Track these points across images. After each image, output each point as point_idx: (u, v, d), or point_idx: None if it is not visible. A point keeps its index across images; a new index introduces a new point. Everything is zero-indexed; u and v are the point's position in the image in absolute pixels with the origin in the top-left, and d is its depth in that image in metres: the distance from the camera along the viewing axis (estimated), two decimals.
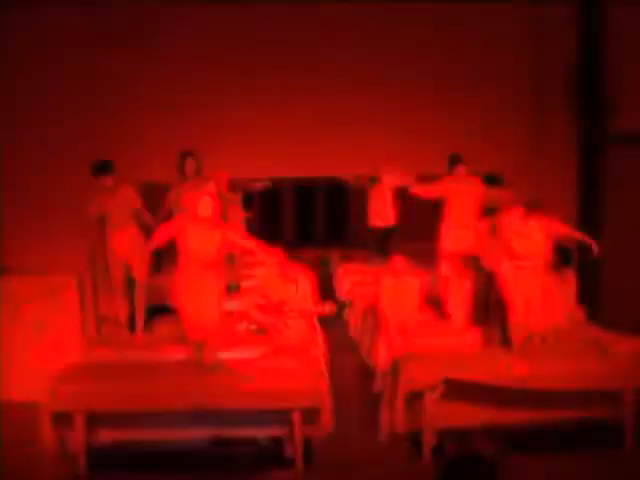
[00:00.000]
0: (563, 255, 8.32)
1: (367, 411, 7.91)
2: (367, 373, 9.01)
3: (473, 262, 8.72)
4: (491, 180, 8.86)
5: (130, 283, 8.48)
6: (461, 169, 8.49)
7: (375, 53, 9.40)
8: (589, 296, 9.31)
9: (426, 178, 8.79)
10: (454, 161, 8.50)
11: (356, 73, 9.41)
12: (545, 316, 8.23)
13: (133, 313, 8.70)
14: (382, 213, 11.63)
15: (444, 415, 7.05)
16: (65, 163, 9.20)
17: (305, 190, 18.96)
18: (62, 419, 6.75)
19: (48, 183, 9.20)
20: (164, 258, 12.48)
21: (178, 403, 6.63)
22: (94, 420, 6.79)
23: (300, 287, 8.19)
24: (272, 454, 6.87)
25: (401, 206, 12.10)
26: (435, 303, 9.83)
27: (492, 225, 7.96)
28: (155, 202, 11.95)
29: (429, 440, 6.90)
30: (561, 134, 9.73)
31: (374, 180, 11.17)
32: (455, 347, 7.92)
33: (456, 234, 8.57)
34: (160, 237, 7.33)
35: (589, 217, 9.69)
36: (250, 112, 9.36)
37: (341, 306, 8.66)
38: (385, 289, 8.39)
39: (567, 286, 8.34)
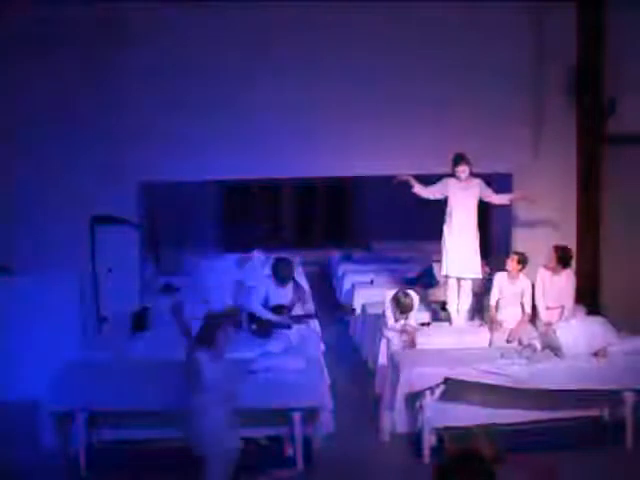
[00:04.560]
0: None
1: (367, 411, 7.92)
2: (367, 373, 9.02)
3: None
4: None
5: None
6: (463, 169, 8.49)
7: (375, 53, 9.39)
8: (589, 296, 9.31)
9: (424, 178, 8.79)
10: (457, 161, 8.50)
11: (356, 74, 9.40)
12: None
13: (135, 312, 8.73)
14: None
15: (444, 415, 7.05)
16: (65, 162, 9.20)
17: (305, 190, 19.03)
18: (62, 419, 6.75)
19: (48, 183, 9.19)
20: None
21: (178, 403, 6.63)
22: (94, 420, 6.79)
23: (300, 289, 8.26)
24: (272, 454, 6.87)
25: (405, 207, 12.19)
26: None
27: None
28: (155, 202, 12.01)
29: (429, 440, 6.90)
30: (561, 134, 9.73)
31: None
32: (455, 347, 7.93)
33: (458, 234, 8.55)
34: None
35: (589, 217, 9.69)
36: (251, 111, 9.35)
37: (346, 311, 8.73)
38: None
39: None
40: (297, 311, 8.20)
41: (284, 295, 8.14)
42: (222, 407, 5.88)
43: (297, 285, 8.39)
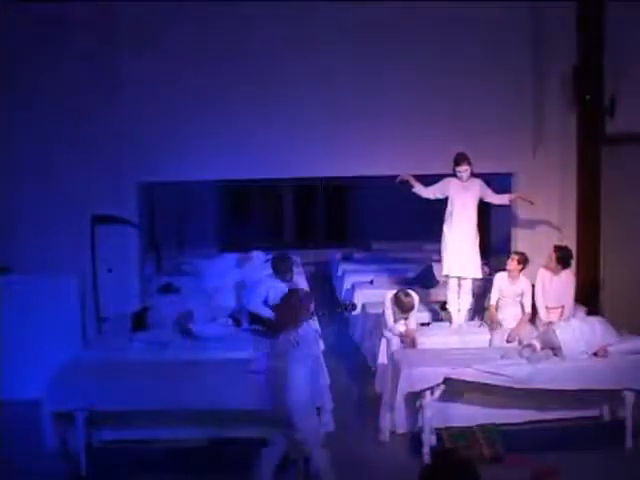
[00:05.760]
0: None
1: (367, 411, 7.92)
2: (367, 373, 9.02)
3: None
4: None
5: None
6: (465, 169, 8.49)
7: (375, 54, 9.39)
8: (589, 296, 9.31)
9: (424, 178, 8.79)
10: (458, 161, 8.50)
11: (355, 74, 9.40)
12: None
13: (136, 312, 8.72)
14: None
15: (444, 415, 7.05)
16: (65, 162, 9.19)
17: (305, 190, 19.03)
18: (62, 418, 6.76)
19: (48, 182, 9.19)
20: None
21: (178, 403, 6.64)
22: (94, 420, 6.80)
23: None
24: None
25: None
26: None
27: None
28: (155, 202, 12.02)
29: (429, 440, 6.90)
30: (561, 134, 9.73)
31: None
32: (455, 347, 7.93)
33: (458, 234, 8.55)
34: None
35: (589, 217, 9.69)
36: (251, 112, 9.36)
37: (346, 307, 8.72)
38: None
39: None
40: None
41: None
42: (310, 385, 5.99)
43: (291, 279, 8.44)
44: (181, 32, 9.23)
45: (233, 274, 10.14)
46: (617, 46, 9.27)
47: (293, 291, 6.55)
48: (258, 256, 11.01)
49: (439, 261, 9.00)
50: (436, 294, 10.06)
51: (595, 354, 7.23)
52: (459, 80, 9.41)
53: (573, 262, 8.67)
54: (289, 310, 6.17)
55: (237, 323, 8.68)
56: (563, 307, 8.23)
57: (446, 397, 7.03)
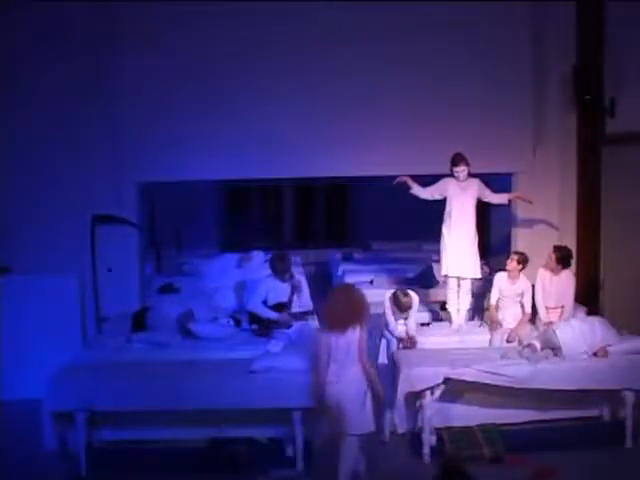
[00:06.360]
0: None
1: None
2: None
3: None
4: None
5: None
6: (462, 169, 8.48)
7: (375, 54, 9.38)
8: (589, 296, 9.31)
9: (424, 178, 8.78)
10: (456, 161, 8.49)
11: (355, 75, 9.39)
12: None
13: (136, 312, 8.72)
14: None
15: (444, 415, 7.06)
16: (65, 162, 9.19)
17: (305, 190, 19.02)
18: (63, 418, 6.76)
19: (48, 182, 9.19)
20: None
21: (178, 403, 6.64)
22: (94, 420, 6.80)
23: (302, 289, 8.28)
24: (272, 454, 6.87)
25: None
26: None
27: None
28: (155, 202, 12.02)
29: (429, 440, 6.90)
30: (561, 134, 9.72)
31: None
32: (455, 347, 7.93)
33: (457, 234, 8.55)
34: None
35: (589, 217, 9.69)
36: (251, 111, 9.35)
37: None
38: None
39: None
40: (294, 304, 8.21)
41: (284, 292, 8.17)
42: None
43: (292, 277, 8.43)
44: (181, 32, 9.23)
45: (233, 274, 10.16)
46: (617, 46, 9.27)
47: (348, 288, 6.50)
48: (258, 256, 11.03)
49: (439, 261, 9.00)
50: (436, 294, 10.05)
51: (595, 354, 7.23)
52: (459, 80, 9.40)
53: (573, 262, 8.67)
54: (351, 306, 6.16)
55: (237, 323, 8.69)
56: (563, 307, 8.23)
57: (446, 397, 7.04)
